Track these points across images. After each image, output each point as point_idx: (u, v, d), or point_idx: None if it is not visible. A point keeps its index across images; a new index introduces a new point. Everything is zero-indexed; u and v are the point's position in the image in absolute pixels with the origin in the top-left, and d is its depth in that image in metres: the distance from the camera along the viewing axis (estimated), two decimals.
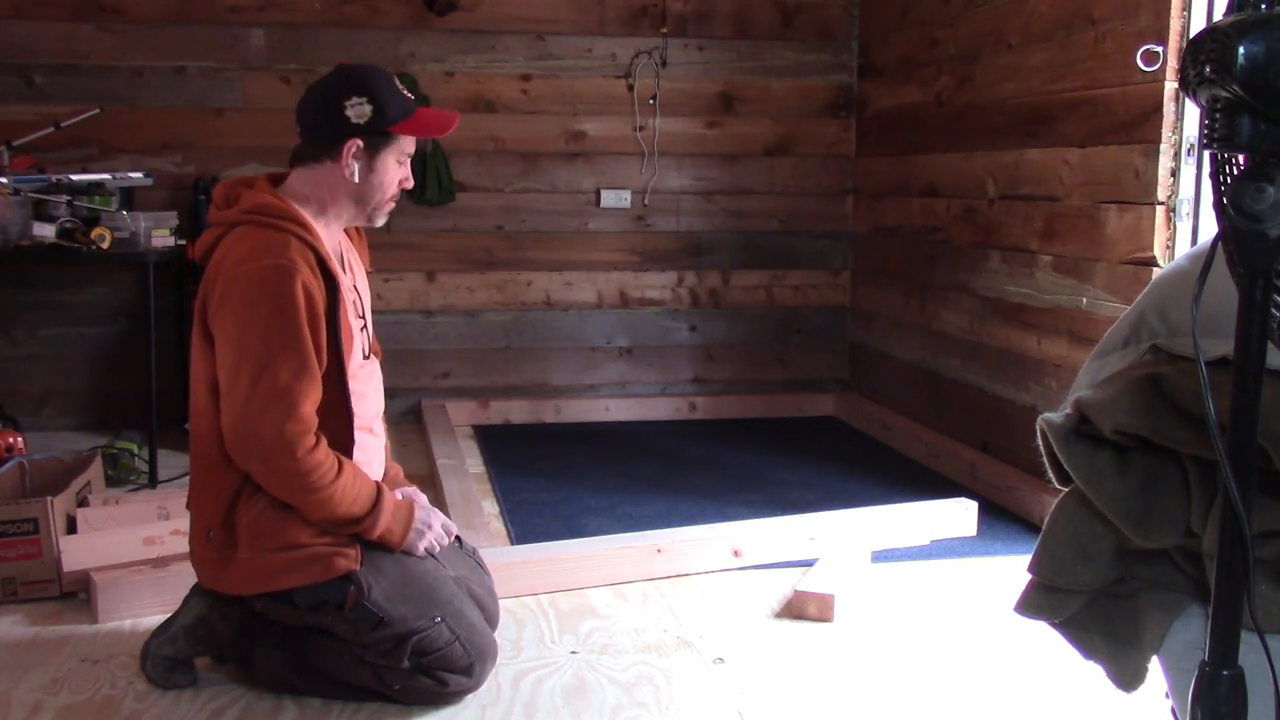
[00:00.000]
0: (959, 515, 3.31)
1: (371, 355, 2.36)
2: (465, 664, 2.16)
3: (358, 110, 2.15)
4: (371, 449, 2.32)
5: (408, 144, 2.24)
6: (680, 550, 2.94)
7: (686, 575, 2.93)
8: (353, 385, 2.20)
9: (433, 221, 4.63)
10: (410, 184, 2.30)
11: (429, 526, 2.26)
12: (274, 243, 2.09)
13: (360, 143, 2.16)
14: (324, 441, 2.10)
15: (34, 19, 4.27)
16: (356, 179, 2.19)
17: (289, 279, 2.05)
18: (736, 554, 2.99)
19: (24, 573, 2.70)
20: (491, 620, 2.37)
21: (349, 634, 2.14)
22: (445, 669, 2.15)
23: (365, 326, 2.33)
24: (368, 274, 2.48)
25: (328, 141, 2.17)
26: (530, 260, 4.72)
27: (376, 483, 2.21)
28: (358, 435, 2.21)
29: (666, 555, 2.93)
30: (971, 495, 3.50)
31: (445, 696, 2.18)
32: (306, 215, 2.18)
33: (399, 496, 2.27)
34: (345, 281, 2.23)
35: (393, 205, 2.29)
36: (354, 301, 2.28)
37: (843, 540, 3.08)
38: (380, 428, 2.40)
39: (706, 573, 2.95)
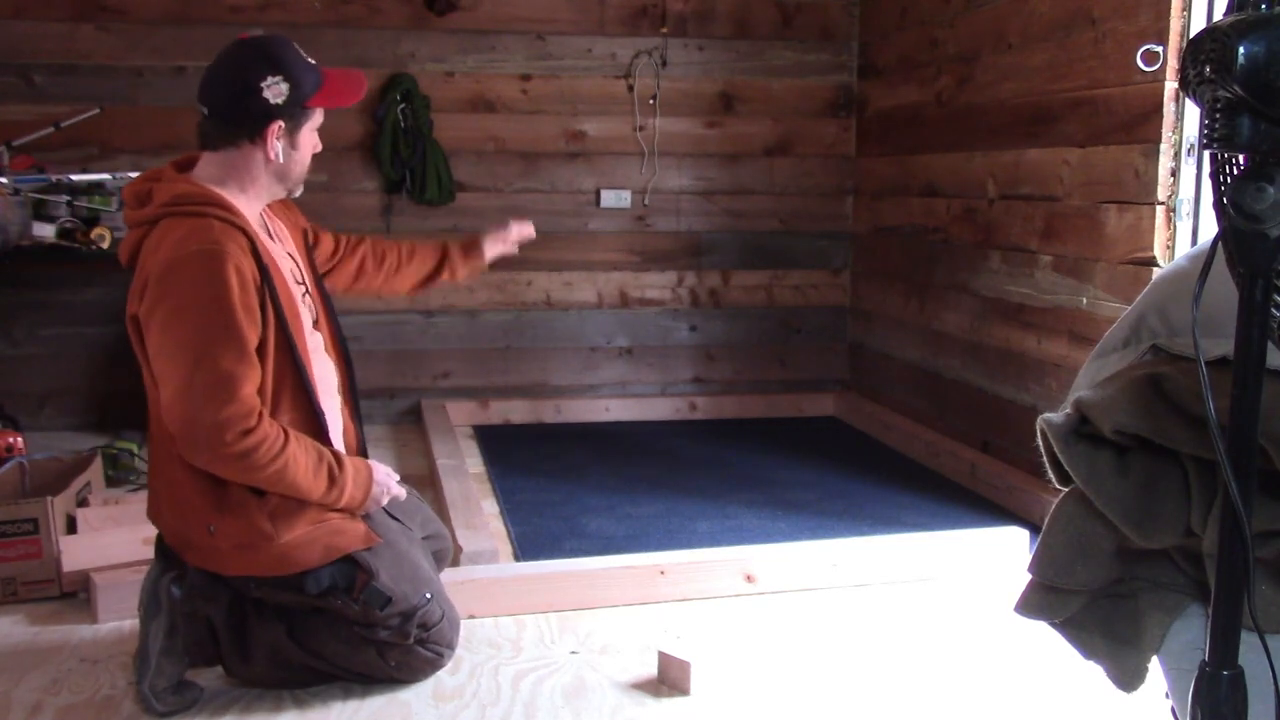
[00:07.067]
0: (1007, 544, 3.01)
1: (320, 325, 2.30)
2: (450, 638, 2.32)
3: (275, 90, 2.11)
4: (337, 421, 2.30)
5: (320, 115, 2.23)
6: (685, 572, 2.81)
7: (691, 600, 2.81)
8: (309, 355, 2.18)
9: (433, 221, 4.62)
10: (319, 148, 2.26)
11: (386, 487, 2.27)
12: (199, 229, 2.04)
13: (282, 124, 2.14)
14: (266, 417, 2.05)
15: (34, 19, 4.27)
16: (281, 159, 2.16)
17: (220, 263, 2.01)
18: (749, 579, 2.84)
19: (24, 573, 2.71)
20: (444, 560, 2.56)
21: (359, 615, 2.17)
22: (438, 642, 2.29)
23: (307, 292, 2.29)
24: (307, 230, 2.43)
25: (247, 125, 2.12)
26: (530, 260, 4.71)
27: (333, 450, 2.18)
28: (324, 402, 2.19)
29: (670, 577, 2.79)
30: (971, 495, 3.50)
31: (435, 666, 2.32)
32: (226, 197, 2.13)
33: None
34: (278, 250, 2.21)
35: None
36: (290, 270, 2.25)
37: (868, 570, 2.91)
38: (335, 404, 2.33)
39: (715, 598, 2.83)
